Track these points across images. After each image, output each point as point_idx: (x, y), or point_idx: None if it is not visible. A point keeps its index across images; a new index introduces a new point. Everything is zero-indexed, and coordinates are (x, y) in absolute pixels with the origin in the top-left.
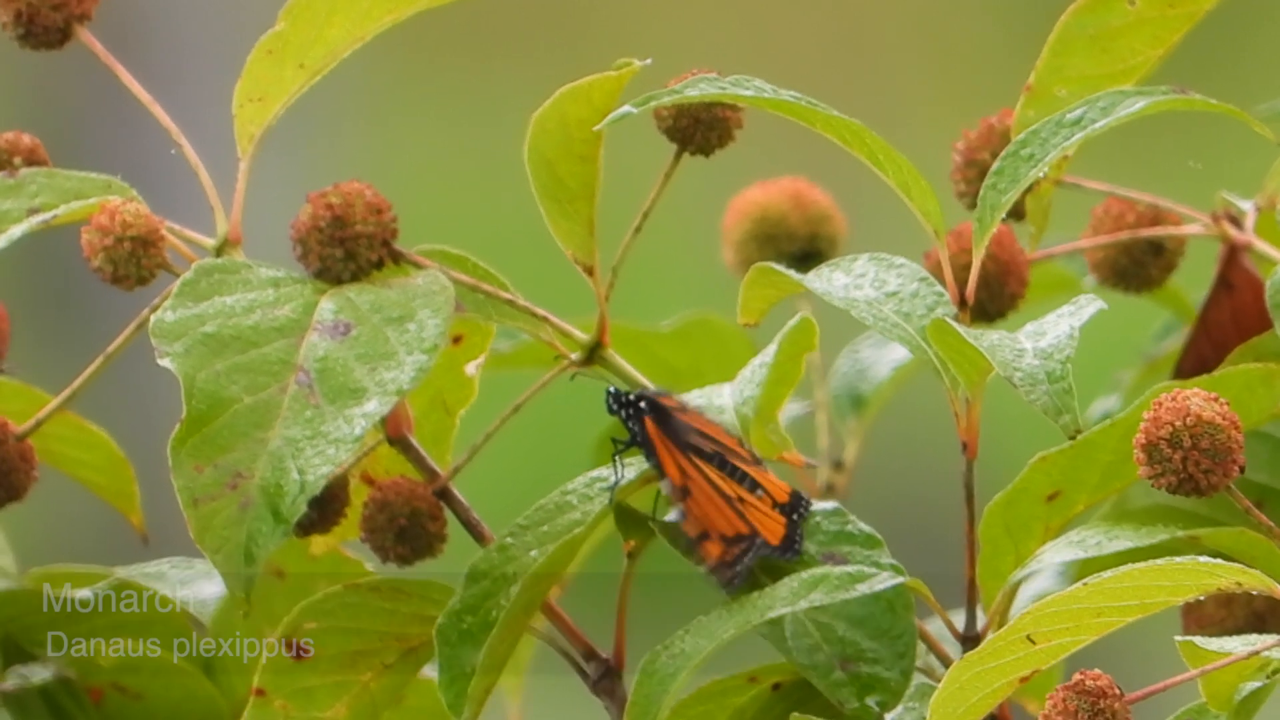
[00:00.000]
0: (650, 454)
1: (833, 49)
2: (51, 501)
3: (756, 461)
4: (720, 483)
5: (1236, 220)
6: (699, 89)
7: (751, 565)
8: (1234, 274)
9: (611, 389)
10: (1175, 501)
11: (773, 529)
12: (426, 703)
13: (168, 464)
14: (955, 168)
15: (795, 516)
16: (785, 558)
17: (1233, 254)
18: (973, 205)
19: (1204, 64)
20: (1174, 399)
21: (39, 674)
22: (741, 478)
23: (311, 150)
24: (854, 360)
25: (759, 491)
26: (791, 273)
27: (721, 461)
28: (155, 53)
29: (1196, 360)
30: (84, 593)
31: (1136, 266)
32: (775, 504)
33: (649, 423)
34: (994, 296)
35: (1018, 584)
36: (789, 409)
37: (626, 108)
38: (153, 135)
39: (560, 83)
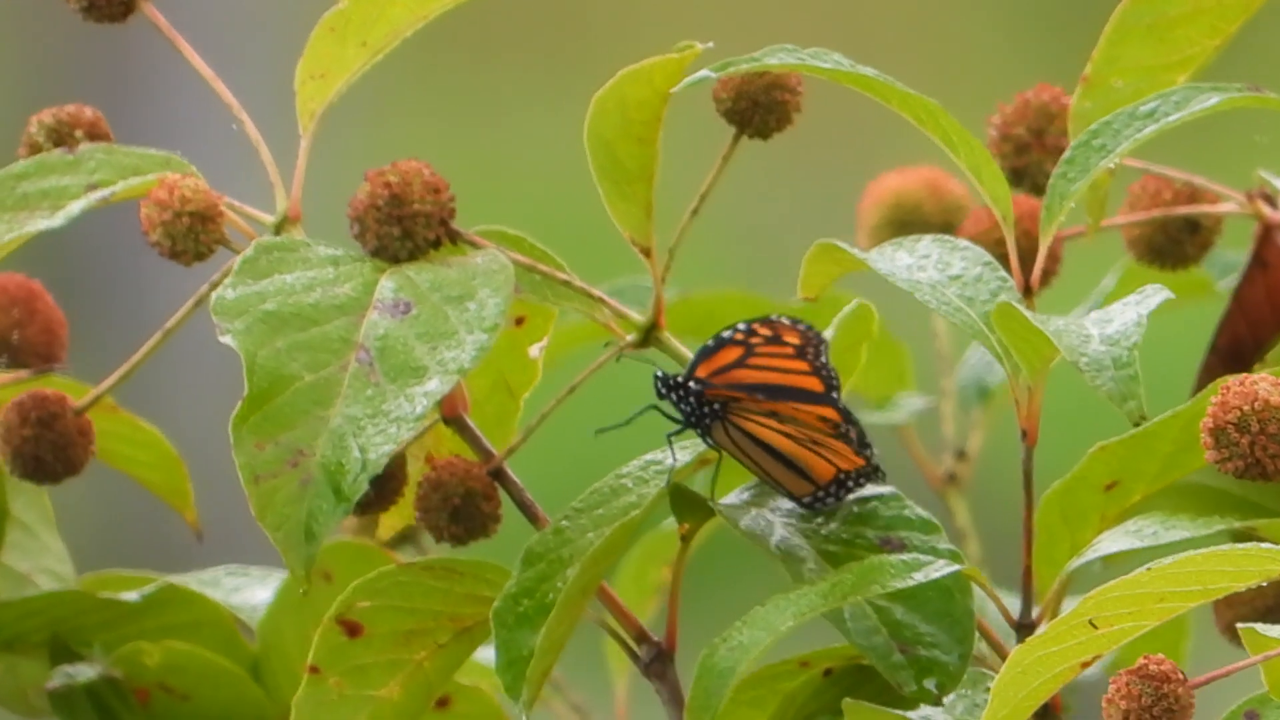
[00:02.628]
0: (705, 432)
1: (832, 48)
2: (110, 506)
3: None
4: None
5: (1271, 199)
6: (778, 58)
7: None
8: (1268, 252)
9: (659, 373)
10: (1228, 484)
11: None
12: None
13: (215, 466)
14: (990, 142)
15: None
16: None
17: (1267, 233)
18: (1007, 180)
19: (1263, 54)
20: (1241, 384)
21: (85, 673)
22: None
23: (363, 130)
24: (983, 352)
25: None
26: (855, 251)
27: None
28: (203, 28)
29: (1231, 338)
30: (131, 595)
31: (1173, 244)
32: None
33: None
34: (1025, 272)
35: (1073, 572)
36: (913, 401)
37: (704, 72)
38: (198, 112)
39: (615, 68)
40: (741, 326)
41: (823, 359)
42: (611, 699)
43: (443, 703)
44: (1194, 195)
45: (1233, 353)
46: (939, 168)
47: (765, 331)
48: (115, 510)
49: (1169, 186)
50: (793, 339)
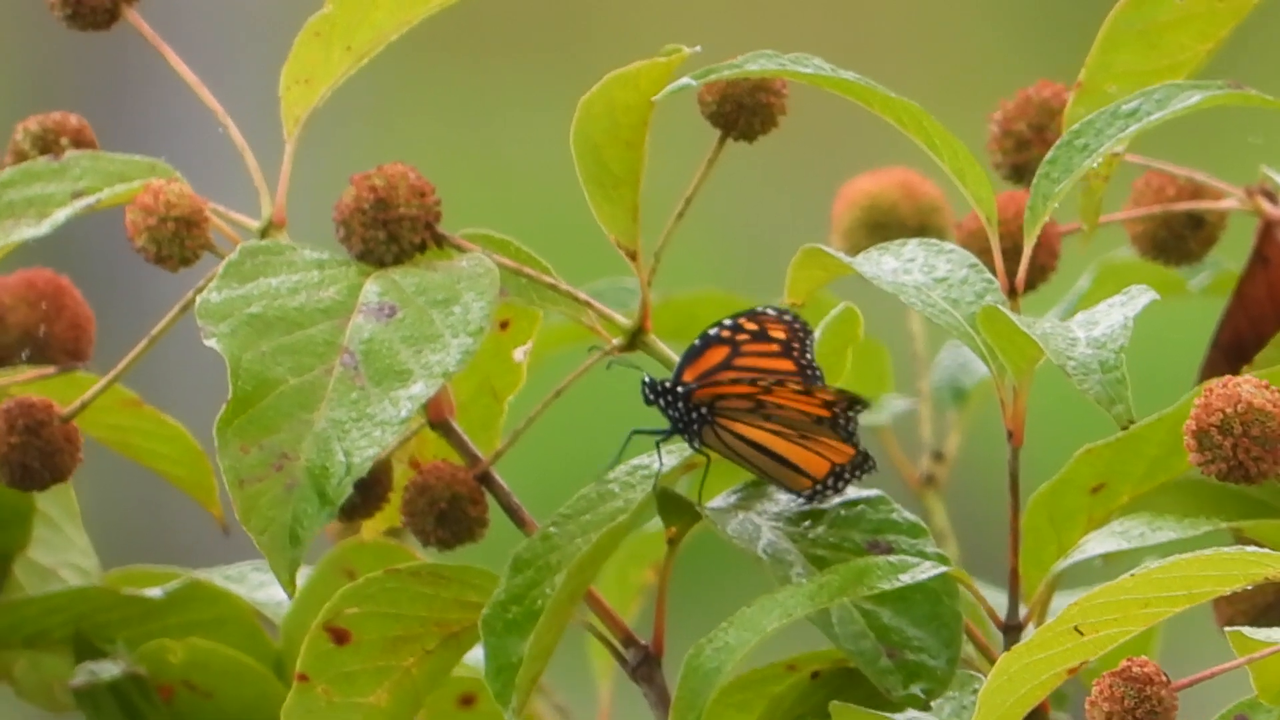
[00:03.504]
0: (694, 437)
1: (832, 49)
2: (135, 501)
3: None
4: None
5: (1272, 195)
6: (759, 64)
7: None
8: (1269, 249)
9: (646, 378)
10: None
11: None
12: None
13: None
14: (992, 138)
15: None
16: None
17: (1268, 229)
18: (1008, 176)
19: (1255, 58)
20: (1225, 386)
21: (109, 670)
22: None
23: (349, 134)
24: (957, 354)
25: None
26: (840, 255)
27: None
28: (190, 34)
29: (1233, 335)
30: (154, 591)
31: (1176, 240)
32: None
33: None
34: (1014, 271)
35: (1059, 574)
36: (895, 403)
37: (685, 80)
38: (186, 118)
39: (606, 70)
40: (727, 323)
41: (808, 355)
42: (595, 701)
43: (467, 700)
44: (1197, 191)
45: (1234, 349)
46: (918, 167)
47: (751, 327)
48: (141, 504)
49: (1172, 182)
50: (778, 333)
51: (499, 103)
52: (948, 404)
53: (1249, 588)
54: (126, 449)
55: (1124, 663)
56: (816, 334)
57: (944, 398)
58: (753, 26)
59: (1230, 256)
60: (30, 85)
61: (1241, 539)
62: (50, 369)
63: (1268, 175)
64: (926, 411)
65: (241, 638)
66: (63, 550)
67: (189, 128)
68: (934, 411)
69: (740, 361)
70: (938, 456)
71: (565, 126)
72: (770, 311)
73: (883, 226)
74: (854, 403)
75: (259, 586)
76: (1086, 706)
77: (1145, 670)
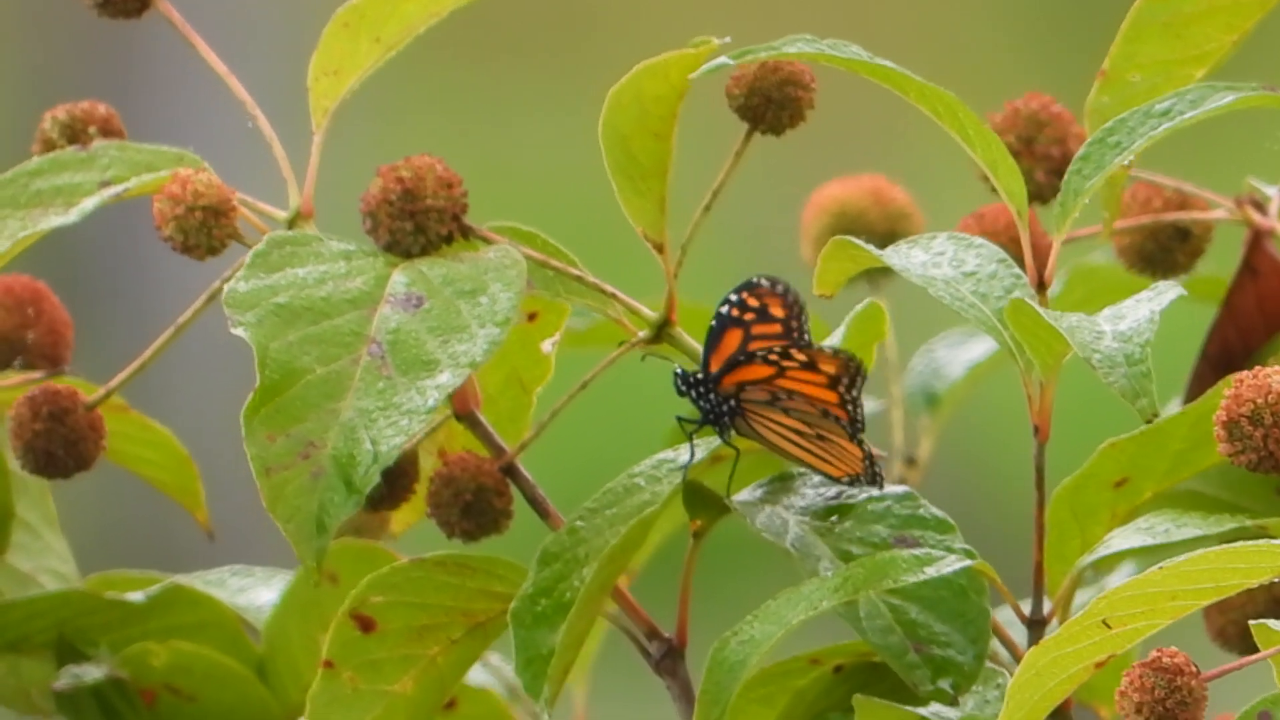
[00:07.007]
0: (725, 429)
1: None
2: (113, 506)
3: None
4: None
5: (1261, 206)
6: (797, 47)
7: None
8: (1258, 259)
9: (678, 369)
10: (1223, 491)
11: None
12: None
13: (220, 467)
14: None
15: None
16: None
17: (1257, 239)
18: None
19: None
20: (1255, 377)
21: (91, 674)
22: None
23: (374, 127)
24: (929, 359)
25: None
26: (870, 247)
27: None
28: (209, 25)
29: (1221, 346)
30: (136, 595)
31: (1163, 252)
32: None
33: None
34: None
35: (1084, 569)
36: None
37: (723, 59)
38: (207, 109)
39: (622, 69)
40: (733, 298)
41: (806, 334)
42: (570, 707)
43: (449, 705)
44: (1184, 202)
45: (1223, 359)
46: (941, 165)
47: (753, 303)
48: (119, 510)
49: (1159, 194)
50: (777, 311)
51: (519, 98)
52: (920, 409)
53: (1238, 593)
54: (112, 454)
55: (1154, 653)
56: (840, 331)
57: (917, 403)
58: (756, 28)
59: (1218, 268)
60: (49, 77)
61: (1267, 537)
62: (31, 375)
63: (1255, 186)
64: (898, 417)
65: (223, 641)
66: (41, 555)
67: (202, 120)
68: (905, 417)
69: (752, 346)
70: (910, 461)
71: (583, 124)
72: (764, 283)
73: (852, 233)
74: (856, 367)
75: (240, 591)
76: (1116, 696)
77: (1175, 661)
